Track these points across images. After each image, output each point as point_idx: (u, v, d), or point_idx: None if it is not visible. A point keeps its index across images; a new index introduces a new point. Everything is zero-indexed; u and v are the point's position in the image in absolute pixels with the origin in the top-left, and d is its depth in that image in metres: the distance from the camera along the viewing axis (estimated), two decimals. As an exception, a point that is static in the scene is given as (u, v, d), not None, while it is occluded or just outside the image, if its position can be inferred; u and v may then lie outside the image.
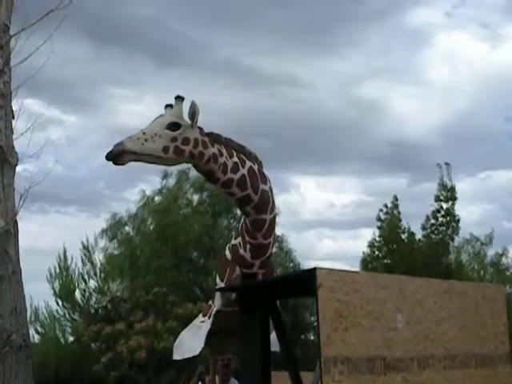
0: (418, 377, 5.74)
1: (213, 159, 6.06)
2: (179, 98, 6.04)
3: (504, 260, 24.34)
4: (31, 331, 17.91)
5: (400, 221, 22.17)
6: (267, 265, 6.67)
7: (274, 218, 6.54)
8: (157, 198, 21.83)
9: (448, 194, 21.39)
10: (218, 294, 6.69)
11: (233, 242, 6.76)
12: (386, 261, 22.00)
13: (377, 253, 22.54)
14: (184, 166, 7.73)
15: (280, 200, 34.29)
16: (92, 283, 18.90)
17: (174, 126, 5.88)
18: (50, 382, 16.68)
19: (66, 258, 18.74)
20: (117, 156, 5.59)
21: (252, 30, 34.55)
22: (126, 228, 21.61)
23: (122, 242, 21.09)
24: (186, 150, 5.90)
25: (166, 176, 21.89)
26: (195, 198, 23.10)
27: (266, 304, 6.21)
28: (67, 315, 18.47)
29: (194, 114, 5.95)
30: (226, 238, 22.92)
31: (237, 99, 34.01)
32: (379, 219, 22.24)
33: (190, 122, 5.96)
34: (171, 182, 22.12)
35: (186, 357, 7.21)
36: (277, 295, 6.21)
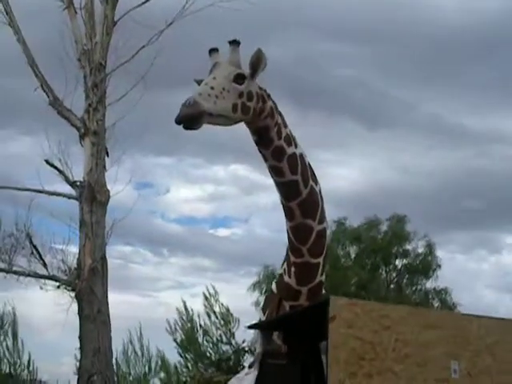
0: None
1: (270, 115, 5.16)
2: (235, 43, 5.10)
3: None
4: (156, 381, 17.98)
5: None
6: (317, 296, 5.43)
7: (324, 232, 5.42)
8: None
9: None
10: (257, 334, 5.86)
11: (279, 271, 5.87)
12: None
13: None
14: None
15: (492, 261, 33.58)
16: (218, 333, 18.48)
17: (239, 77, 4.99)
18: None
19: (186, 310, 18.70)
20: (195, 119, 4.64)
21: (456, 86, 33.32)
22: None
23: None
24: (251, 107, 5.01)
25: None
26: (353, 249, 23.07)
27: (305, 346, 5.31)
28: (189, 365, 18.17)
29: (258, 62, 5.04)
30: (382, 291, 22.20)
31: (443, 159, 32.80)
32: None
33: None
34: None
35: None
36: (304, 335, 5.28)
